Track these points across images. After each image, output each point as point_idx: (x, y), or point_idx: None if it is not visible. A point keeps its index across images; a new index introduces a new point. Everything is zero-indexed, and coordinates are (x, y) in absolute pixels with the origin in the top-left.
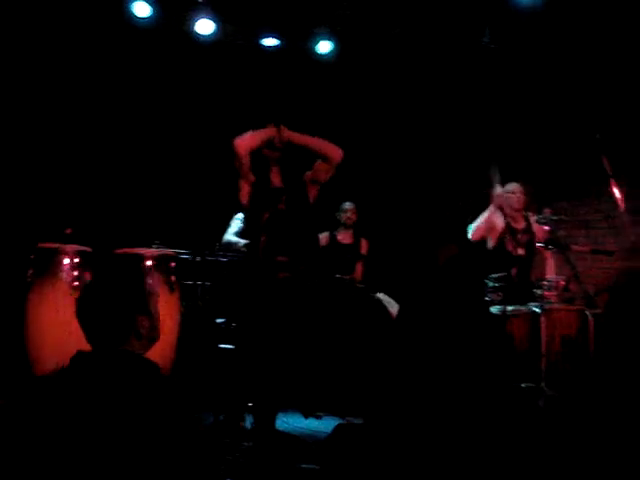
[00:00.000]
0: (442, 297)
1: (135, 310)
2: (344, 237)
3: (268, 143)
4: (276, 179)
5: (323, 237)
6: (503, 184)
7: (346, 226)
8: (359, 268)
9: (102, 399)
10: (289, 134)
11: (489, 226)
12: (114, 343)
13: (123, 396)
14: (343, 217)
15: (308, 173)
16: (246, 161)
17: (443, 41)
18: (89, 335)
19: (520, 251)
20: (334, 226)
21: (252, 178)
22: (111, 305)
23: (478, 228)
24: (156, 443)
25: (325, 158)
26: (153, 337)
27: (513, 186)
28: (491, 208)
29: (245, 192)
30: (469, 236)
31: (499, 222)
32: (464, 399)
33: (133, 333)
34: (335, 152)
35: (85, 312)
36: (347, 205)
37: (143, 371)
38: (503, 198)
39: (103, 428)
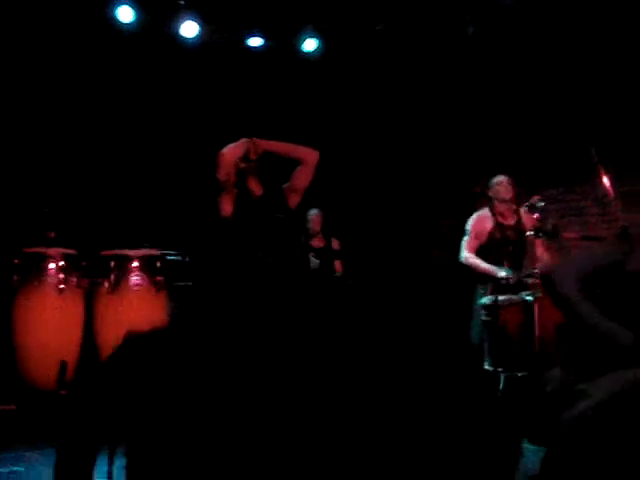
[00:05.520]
0: None
1: None
2: (315, 242)
3: (244, 156)
4: (256, 189)
5: None
6: (490, 177)
7: (313, 234)
8: (338, 266)
9: None
10: (262, 143)
11: (478, 233)
12: None
13: None
14: (310, 226)
15: (286, 183)
16: (232, 172)
17: (428, 35)
18: None
19: (510, 248)
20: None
21: (234, 191)
22: None
23: (469, 245)
24: None
25: (301, 161)
26: None
27: (500, 177)
28: (476, 215)
29: (228, 205)
30: (461, 260)
31: (488, 225)
32: None
33: None
34: (310, 154)
35: None
36: (312, 213)
37: None
38: (493, 191)
39: None
